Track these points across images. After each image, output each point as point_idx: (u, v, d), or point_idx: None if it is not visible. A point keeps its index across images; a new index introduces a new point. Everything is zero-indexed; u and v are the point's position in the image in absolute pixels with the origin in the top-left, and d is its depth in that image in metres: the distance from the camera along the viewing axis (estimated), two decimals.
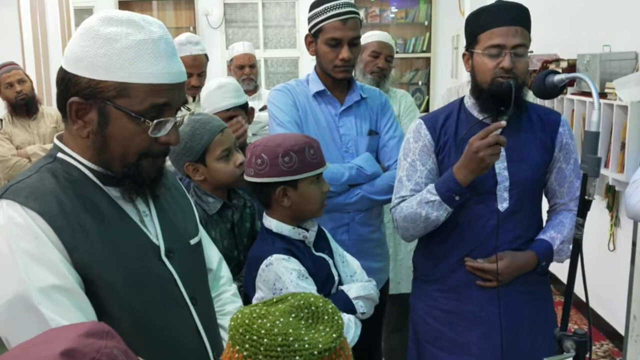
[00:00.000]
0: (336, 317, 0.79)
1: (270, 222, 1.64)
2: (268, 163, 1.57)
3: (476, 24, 1.72)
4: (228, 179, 1.78)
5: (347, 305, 1.61)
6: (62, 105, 1.05)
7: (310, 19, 2.05)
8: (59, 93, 1.05)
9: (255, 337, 0.75)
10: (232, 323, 0.78)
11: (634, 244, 2.94)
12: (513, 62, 1.64)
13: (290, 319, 0.77)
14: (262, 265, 1.55)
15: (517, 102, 1.66)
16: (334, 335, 0.76)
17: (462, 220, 1.76)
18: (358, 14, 2.03)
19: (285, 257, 1.55)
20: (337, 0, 2.00)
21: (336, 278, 1.69)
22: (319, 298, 0.81)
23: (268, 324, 0.75)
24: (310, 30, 2.06)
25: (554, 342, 1.31)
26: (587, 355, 1.30)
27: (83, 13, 7.02)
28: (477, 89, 1.74)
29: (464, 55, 1.78)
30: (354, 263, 1.78)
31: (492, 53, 1.66)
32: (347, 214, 2.06)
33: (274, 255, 1.55)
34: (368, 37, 2.86)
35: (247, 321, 0.76)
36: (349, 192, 2.03)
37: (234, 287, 1.40)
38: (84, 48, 1.02)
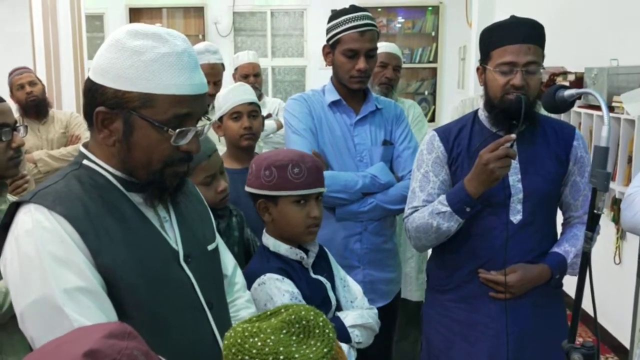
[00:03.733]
0: (327, 330, 0.81)
1: (268, 240, 1.61)
2: (254, 174, 1.58)
3: (489, 40, 1.74)
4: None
5: (342, 334, 1.56)
6: (88, 114, 1.09)
7: (328, 30, 2.09)
8: (86, 103, 1.09)
9: (247, 358, 0.77)
10: (226, 342, 0.81)
11: None
12: (524, 79, 1.66)
13: (282, 336, 0.79)
14: (255, 284, 1.51)
15: (528, 117, 1.68)
16: (325, 349, 0.79)
17: (475, 231, 1.77)
18: (376, 26, 2.08)
19: (279, 277, 1.50)
20: (355, 12, 2.04)
21: (333, 303, 1.63)
22: (310, 310, 0.83)
23: (259, 343, 0.78)
24: (328, 41, 2.10)
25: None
26: None
27: (94, 19, 7.09)
28: (489, 103, 1.76)
29: (477, 69, 1.80)
30: (355, 288, 1.73)
31: (504, 70, 1.68)
32: (360, 223, 2.09)
33: (268, 275, 1.50)
34: None
35: (239, 340, 0.79)
36: (363, 200, 2.05)
37: (248, 294, 1.42)
38: (110, 60, 1.06)
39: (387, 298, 2.18)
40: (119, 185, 1.11)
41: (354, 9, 2.06)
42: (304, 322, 0.81)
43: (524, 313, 1.76)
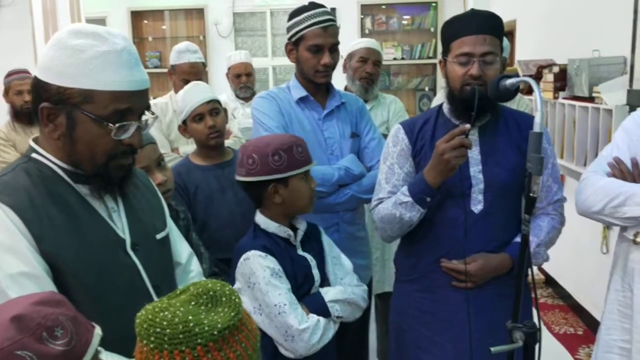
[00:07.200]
0: (233, 297, 0.87)
1: (259, 218, 1.74)
2: (259, 162, 1.67)
3: (448, 33, 1.78)
4: None
5: (321, 307, 1.69)
6: (35, 109, 1.16)
7: (290, 28, 2.15)
8: (33, 99, 1.16)
9: (158, 329, 0.82)
10: (138, 320, 0.85)
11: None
12: (482, 69, 1.69)
13: (190, 307, 0.84)
14: (241, 259, 1.66)
15: (487, 107, 1.72)
16: (232, 314, 0.84)
17: (437, 221, 1.80)
18: (335, 21, 2.14)
19: (262, 254, 1.64)
20: (316, 9, 2.10)
21: (316, 279, 1.75)
22: (216, 283, 0.88)
23: (169, 316, 0.83)
24: (290, 38, 2.15)
25: None
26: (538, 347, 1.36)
27: (96, 23, 7.17)
28: (450, 95, 1.80)
29: (440, 62, 1.84)
30: (348, 266, 1.86)
31: (462, 61, 1.71)
32: (336, 213, 2.15)
33: (252, 251, 1.65)
34: (356, 45, 2.95)
35: (150, 316, 0.84)
36: (339, 192, 2.11)
37: None
38: (53, 58, 1.13)
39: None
40: (65, 177, 1.18)
41: (314, 5, 2.12)
42: (210, 294, 0.86)
43: (486, 302, 1.78)
